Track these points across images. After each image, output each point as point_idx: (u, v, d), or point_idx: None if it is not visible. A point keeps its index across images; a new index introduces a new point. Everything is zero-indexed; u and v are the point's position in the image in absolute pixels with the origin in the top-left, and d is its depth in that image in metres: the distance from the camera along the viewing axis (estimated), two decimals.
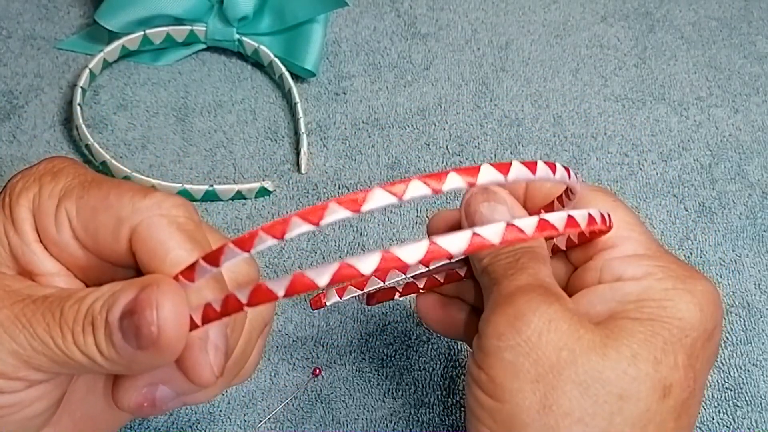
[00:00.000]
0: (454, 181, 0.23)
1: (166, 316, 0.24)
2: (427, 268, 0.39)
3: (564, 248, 0.34)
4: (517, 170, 0.24)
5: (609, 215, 0.30)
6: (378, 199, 0.22)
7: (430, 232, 0.37)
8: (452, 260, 0.37)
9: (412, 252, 0.22)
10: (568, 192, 0.32)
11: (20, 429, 0.27)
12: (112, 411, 0.30)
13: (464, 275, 0.37)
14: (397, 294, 0.40)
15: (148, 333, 0.24)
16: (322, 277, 0.22)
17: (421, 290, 0.39)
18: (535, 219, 0.25)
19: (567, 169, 0.28)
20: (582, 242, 0.33)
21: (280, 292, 0.22)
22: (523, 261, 0.31)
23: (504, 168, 0.24)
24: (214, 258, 0.24)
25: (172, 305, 0.24)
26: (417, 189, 0.23)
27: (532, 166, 0.25)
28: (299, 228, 0.22)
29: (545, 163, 0.26)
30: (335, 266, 0.22)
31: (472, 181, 0.23)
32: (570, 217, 0.26)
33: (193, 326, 0.25)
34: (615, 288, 0.31)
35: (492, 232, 0.23)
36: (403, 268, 0.23)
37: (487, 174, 0.24)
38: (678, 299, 0.30)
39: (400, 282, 0.39)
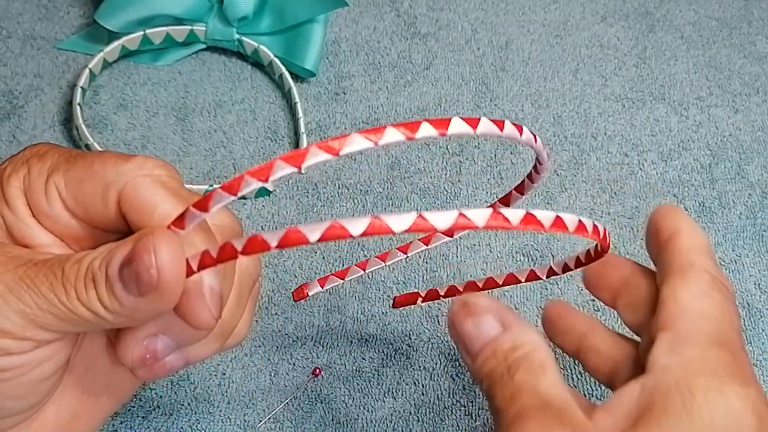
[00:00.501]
0: (426, 130, 0.25)
1: (163, 258, 0.25)
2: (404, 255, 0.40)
3: (573, 268, 0.34)
4: (485, 125, 0.26)
5: (605, 229, 0.29)
6: (355, 143, 0.24)
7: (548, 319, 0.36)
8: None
9: (400, 222, 0.24)
10: (537, 166, 0.32)
11: (28, 393, 0.28)
12: (113, 384, 0.31)
13: (482, 286, 0.38)
14: (420, 299, 0.41)
15: (148, 277, 0.25)
16: (313, 234, 0.23)
17: (441, 296, 0.39)
18: (522, 212, 0.25)
19: (534, 135, 0.28)
20: (588, 261, 0.33)
21: (273, 243, 0.24)
22: (519, 377, 0.28)
23: (473, 122, 0.25)
24: (203, 204, 0.25)
25: (168, 248, 0.25)
26: (392, 135, 0.24)
27: (499, 123, 0.26)
28: (282, 170, 0.24)
29: (513, 124, 0.27)
30: (326, 224, 0.23)
31: (444, 131, 0.25)
32: (558, 217, 0.26)
33: (189, 272, 0.26)
34: (646, 382, 0.28)
35: (478, 216, 0.24)
36: (389, 234, 0.24)
37: (457, 126, 0.25)
38: (708, 401, 0.27)
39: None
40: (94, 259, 0.26)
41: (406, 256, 0.40)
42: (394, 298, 0.42)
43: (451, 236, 0.39)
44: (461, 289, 0.39)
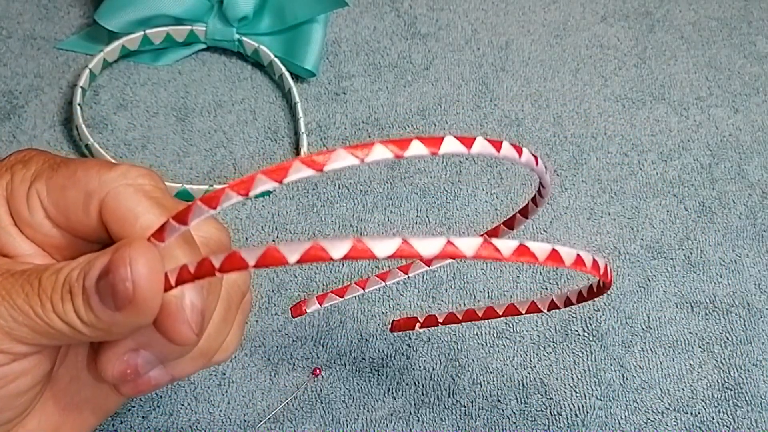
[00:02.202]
0: (416, 149, 0.23)
1: (140, 271, 0.25)
2: (405, 275, 0.40)
3: (575, 303, 0.34)
4: (481, 145, 0.24)
5: (607, 265, 0.28)
6: (341, 159, 0.23)
7: None
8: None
9: (384, 247, 0.23)
10: (540, 190, 0.31)
11: (5, 407, 0.27)
12: (97, 398, 0.30)
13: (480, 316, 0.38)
14: (418, 325, 0.41)
15: (124, 290, 0.25)
16: (293, 255, 0.23)
17: (440, 323, 0.40)
18: (515, 243, 0.24)
19: (535, 156, 0.27)
20: (591, 297, 0.32)
21: (252, 262, 0.23)
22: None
23: (468, 142, 0.24)
24: (182, 216, 0.24)
25: (145, 260, 0.25)
26: (379, 153, 0.23)
27: (497, 144, 0.25)
28: (264, 185, 0.23)
29: (512, 145, 0.25)
30: (307, 245, 0.23)
31: (435, 150, 0.23)
32: (554, 250, 0.25)
33: (168, 287, 0.25)
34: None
35: (467, 245, 0.23)
36: (372, 259, 0.23)
37: (450, 145, 0.24)
38: None
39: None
40: (72, 270, 0.26)
41: (407, 276, 0.40)
42: (392, 322, 0.43)
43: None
44: (459, 317, 0.39)
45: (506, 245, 0.24)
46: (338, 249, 0.22)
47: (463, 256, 0.23)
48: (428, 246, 0.23)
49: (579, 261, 0.26)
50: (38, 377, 0.28)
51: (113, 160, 0.51)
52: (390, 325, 0.43)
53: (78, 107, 0.53)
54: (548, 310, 0.35)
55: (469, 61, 0.60)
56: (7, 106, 0.55)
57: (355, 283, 0.40)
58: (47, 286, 0.26)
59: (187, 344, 0.27)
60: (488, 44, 0.61)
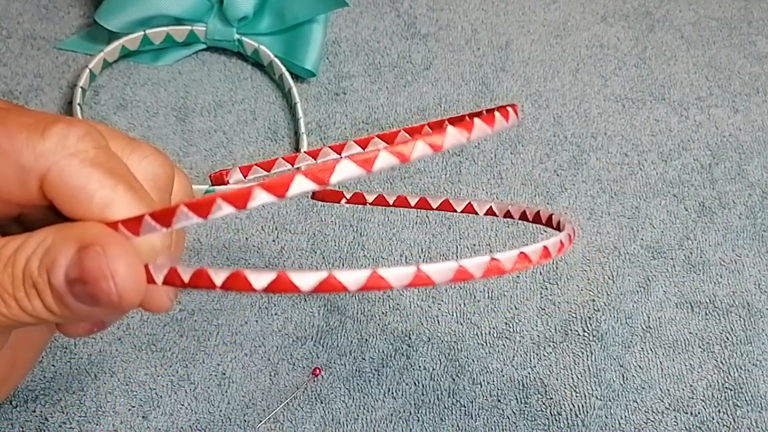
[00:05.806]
0: (420, 149, 0.23)
1: (123, 283, 0.23)
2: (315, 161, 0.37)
3: (530, 221, 0.34)
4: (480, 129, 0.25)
5: (574, 230, 0.29)
6: (345, 171, 0.22)
7: None
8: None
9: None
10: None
11: None
12: (48, 330, 0.29)
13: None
14: (344, 200, 0.38)
15: (108, 300, 0.23)
16: (260, 283, 0.22)
17: (368, 203, 0.38)
18: (515, 252, 0.25)
19: (503, 110, 0.27)
20: (545, 224, 0.32)
21: (219, 283, 0.22)
22: None
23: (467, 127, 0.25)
24: (164, 218, 0.23)
25: (127, 270, 0.23)
26: (385, 160, 0.23)
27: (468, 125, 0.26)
28: (261, 198, 0.22)
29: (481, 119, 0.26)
30: (274, 274, 0.22)
31: (406, 158, 0.23)
32: (545, 248, 0.26)
33: (150, 280, 0.24)
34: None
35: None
36: (343, 291, 0.23)
37: (420, 150, 0.24)
38: None
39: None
40: (28, 260, 0.24)
41: (340, 156, 0.36)
42: (314, 192, 0.38)
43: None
44: (390, 202, 0.37)
45: (506, 257, 0.25)
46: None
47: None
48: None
49: (549, 251, 0.26)
50: (3, 344, 0.27)
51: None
52: (311, 194, 0.39)
53: (78, 107, 0.53)
54: (504, 217, 0.35)
55: (469, 61, 0.60)
56: None
57: (282, 158, 0.37)
58: (6, 283, 0.24)
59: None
60: (488, 44, 0.61)
